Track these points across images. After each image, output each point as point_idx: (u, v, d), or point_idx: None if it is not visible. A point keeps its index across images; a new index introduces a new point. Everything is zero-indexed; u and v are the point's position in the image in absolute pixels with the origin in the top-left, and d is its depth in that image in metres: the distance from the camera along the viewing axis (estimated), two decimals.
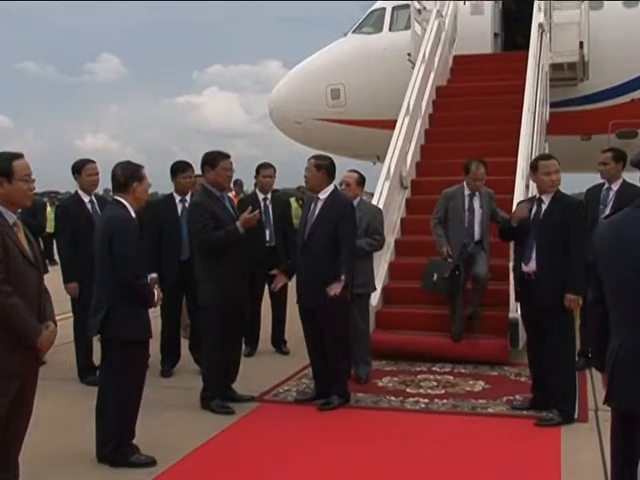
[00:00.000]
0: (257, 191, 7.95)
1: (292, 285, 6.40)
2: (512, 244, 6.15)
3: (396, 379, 6.73)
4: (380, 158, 12.22)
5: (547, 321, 5.46)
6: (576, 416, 5.48)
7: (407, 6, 12.41)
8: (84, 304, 6.48)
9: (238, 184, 13.12)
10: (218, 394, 5.87)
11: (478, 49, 12.26)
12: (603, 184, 6.92)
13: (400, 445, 5.10)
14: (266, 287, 7.90)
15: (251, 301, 7.04)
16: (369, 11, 14.05)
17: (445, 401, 6.05)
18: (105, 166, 7.05)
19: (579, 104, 12.04)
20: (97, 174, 6.82)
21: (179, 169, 7.09)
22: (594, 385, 6.18)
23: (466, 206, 7.43)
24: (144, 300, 4.69)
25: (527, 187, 7.94)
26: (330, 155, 6.51)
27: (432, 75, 10.96)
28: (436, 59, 11.22)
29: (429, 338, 7.42)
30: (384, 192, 8.43)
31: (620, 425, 3.02)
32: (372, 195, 8.64)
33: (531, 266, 5.56)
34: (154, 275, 6.53)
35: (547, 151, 9.08)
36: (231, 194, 10.58)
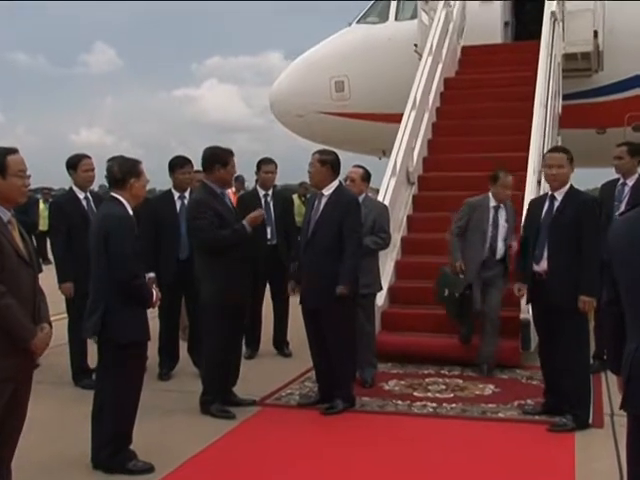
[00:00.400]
0: (258, 187, 7.97)
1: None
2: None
3: (403, 382, 6.74)
4: (386, 153, 12.23)
5: (559, 322, 5.45)
6: (591, 421, 5.47)
7: None
8: (79, 304, 6.51)
9: (240, 180, 13.12)
10: (218, 398, 5.87)
11: (488, 39, 12.23)
12: (618, 179, 6.91)
13: (407, 451, 5.10)
14: (267, 286, 7.93)
15: (252, 301, 7.05)
16: (374, 0, 14.04)
17: (454, 405, 6.05)
18: (100, 161, 7.08)
19: (593, 96, 12.00)
20: (93, 170, 6.83)
21: (177, 165, 7.09)
22: (610, 389, 6.16)
23: (491, 219, 7.07)
24: (142, 300, 4.69)
25: (539, 183, 7.93)
26: (334, 150, 6.52)
27: (440, 66, 10.97)
28: (444, 50, 11.22)
29: (437, 339, 7.43)
30: (390, 188, 8.44)
31: (637, 431, 3.02)
32: (378, 191, 8.65)
33: (542, 265, 5.55)
34: (152, 274, 6.54)
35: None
36: (231, 190, 10.61)
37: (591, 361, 6.30)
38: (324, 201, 5.94)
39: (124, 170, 4.73)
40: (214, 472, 4.80)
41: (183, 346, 7.34)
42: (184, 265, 6.82)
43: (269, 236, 7.69)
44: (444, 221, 8.72)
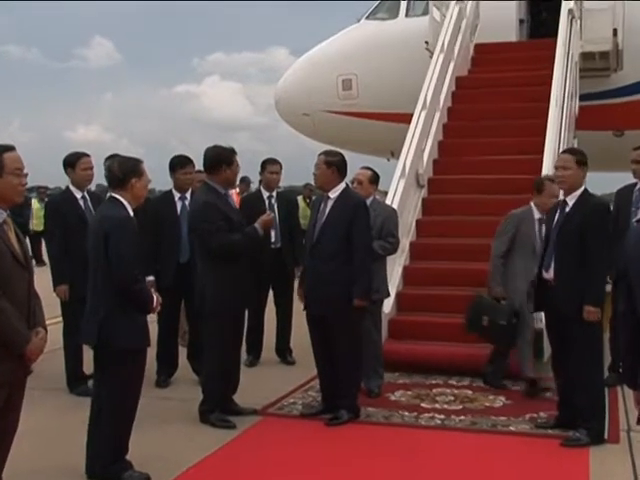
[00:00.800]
0: (262, 189, 7.98)
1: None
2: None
3: (410, 393, 6.74)
4: (395, 154, 12.22)
5: (570, 332, 5.45)
6: (606, 436, 5.46)
7: None
8: (75, 308, 6.53)
9: (246, 181, 13.15)
10: (218, 407, 5.88)
11: (502, 37, 12.20)
12: (635, 184, 6.89)
13: (413, 464, 5.10)
14: (270, 291, 7.94)
15: (255, 306, 7.07)
16: None
17: (463, 417, 6.05)
18: (97, 160, 7.10)
19: (612, 97, 11.98)
20: (92, 169, 6.85)
21: (178, 164, 7.10)
22: (626, 403, 6.13)
23: (537, 233, 6.63)
24: (142, 305, 4.70)
25: None
26: (341, 150, 6.53)
27: (452, 65, 10.96)
28: (456, 48, 11.21)
29: (446, 348, 7.41)
30: (399, 191, 8.43)
31: None
32: (386, 194, 8.65)
33: (551, 273, 5.57)
34: (151, 278, 6.56)
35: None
36: (234, 191, 10.62)
37: (606, 374, 6.29)
38: (330, 204, 5.95)
39: (125, 170, 4.73)
40: None
41: (182, 352, 7.35)
42: (184, 268, 6.84)
43: (273, 239, 7.69)
44: (455, 225, 8.77)
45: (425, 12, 12.47)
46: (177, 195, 7.11)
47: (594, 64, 11.51)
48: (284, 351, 8.05)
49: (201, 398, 5.95)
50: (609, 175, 13.46)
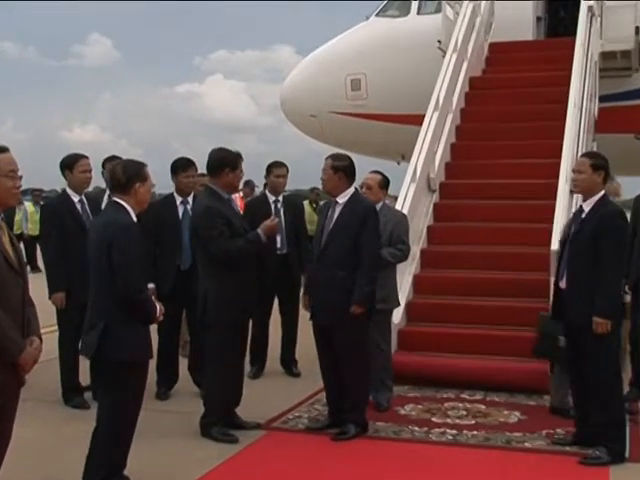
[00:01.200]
0: (267, 193, 8.00)
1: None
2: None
3: (420, 407, 6.72)
4: (405, 157, 12.22)
5: (584, 343, 5.45)
6: (627, 455, 5.44)
7: None
8: (71, 316, 6.54)
9: (250, 185, 13.15)
10: (220, 420, 5.88)
11: (518, 35, 12.23)
12: None
13: None
14: (275, 300, 7.94)
15: (259, 315, 7.06)
16: None
17: (476, 433, 6.03)
18: (95, 162, 7.12)
19: (633, 98, 11.97)
20: (90, 171, 6.86)
21: (180, 167, 7.11)
22: None
23: None
24: (145, 316, 4.69)
25: (571, 192, 7.92)
26: (349, 154, 6.53)
27: (465, 65, 10.96)
28: (470, 47, 11.22)
29: (458, 361, 7.40)
30: (409, 196, 8.43)
31: None
32: (396, 199, 8.65)
33: (564, 281, 5.59)
34: (151, 285, 6.56)
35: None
36: (238, 195, 10.62)
37: (627, 388, 6.26)
38: (338, 210, 5.95)
39: (129, 173, 4.71)
40: None
41: (183, 363, 7.35)
42: (186, 276, 6.85)
43: (279, 245, 7.69)
44: (467, 232, 8.77)
45: (438, 10, 12.51)
46: (179, 199, 7.12)
47: (615, 64, 11.52)
48: (289, 362, 8.04)
49: (202, 411, 5.95)
50: (630, 179, 13.41)
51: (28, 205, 18.40)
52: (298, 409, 6.66)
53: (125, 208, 4.69)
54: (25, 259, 4.40)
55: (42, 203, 13.49)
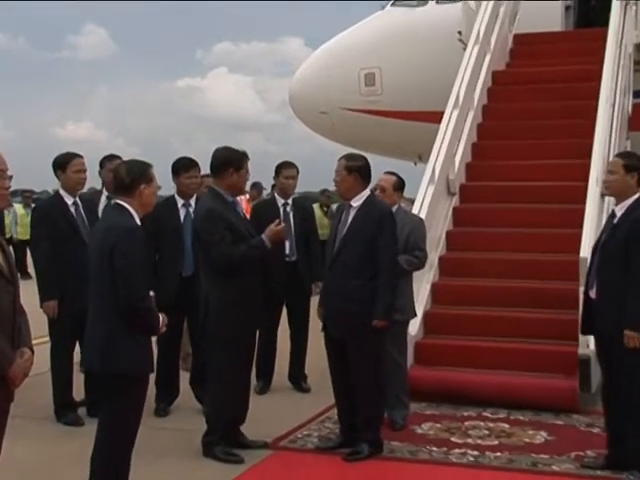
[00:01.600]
0: (276, 195, 8.01)
1: (315, 309, 6.40)
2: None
3: (439, 425, 6.71)
4: (422, 158, 12.23)
5: (617, 357, 5.43)
6: None
7: None
8: (64, 327, 6.56)
9: (257, 187, 13.19)
10: (224, 438, 5.88)
11: (545, 26, 12.20)
12: None
13: None
14: (284, 310, 7.94)
15: (266, 326, 7.06)
16: None
17: (499, 454, 6.01)
18: (90, 161, 7.13)
19: None
20: (85, 171, 6.88)
21: (182, 167, 7.13)
22: None
23: None
24: (148, 327, 4.69)
25: (603, 196, 7.90)
26: (363, 153, 6.53)
27: (487, 58, 10.96)
28: (493, 38, 11.21)
29: (480, 376, 7.39)
30: (427, 199, 8.43)
31: None
32: (413, 202, 8.64)
33: (595, 291, 5.58)
34: (151, 294, 6.55)
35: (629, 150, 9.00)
36: (244, 198, 10.64)
37: None
38: (352, 214, 5.96)
39: (133, 174, 4.72)
40: None
41: (184, 377, 7.36)
42: (188, 283, 6.86)
43: (287, 251, 7.71)
44: (490, 238, 8.76)
45: None
46: (180, 201, 7.13)
47: None
48: (298, 377, 8.04)
49: (204, 429, 5.95)
50: None
51: (18, 207, 18.47)
52: (307, 427, 6.65)
53: (128, 211, 4.69)
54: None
55: (33, 205, 13.55)
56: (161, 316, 4.76)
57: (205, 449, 5.89)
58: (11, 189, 3.94)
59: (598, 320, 5.52)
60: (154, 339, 6.72)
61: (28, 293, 6.19)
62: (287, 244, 7.62)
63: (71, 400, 6.80)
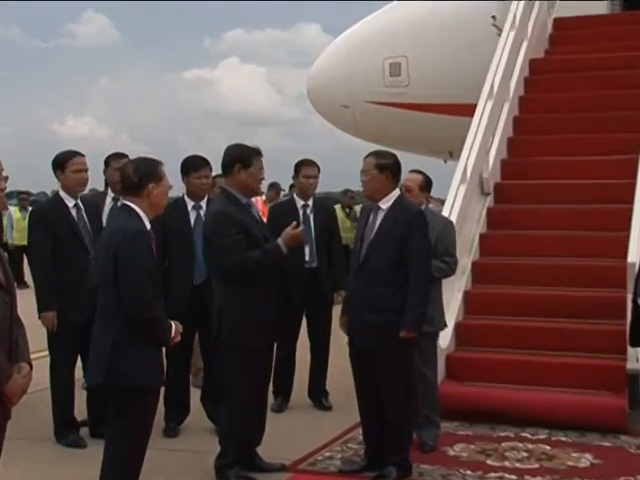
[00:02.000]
0: (295, 196, 8.02)
1: (337, 320, 6.40)
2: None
3: (473, 447, 6.69)
4: (453, 154, 12.20)
5: None
6: None
7: None
8: (64, 340, 6.58)
9: (275, 188, 13.22)
10: (238, 461, 5.88)
11: (589, 8, 12.11)
12: None
13: None
14: (304, 321, 7.94)
15: (284, 339, 7.06)
16: None
17: (539, 479, 5.99)
18: (92, 159, 7.16)
19: None
20: (86, 171, 6.91)
21: (192, 167, 7.13)
22: None
23: None
24: (157, 337, 4.71)
25: None
26: (389, 150, 6.54)
27: (524, 44, 10.95)
28: (530, 23, 11.21)
29: (518, 393, 7.36)
30: (458, 200, 8.42)
31: None
32: (443, 203, 8.63)
33: None
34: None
35: None
36: (260, 199, 10.65)
37: None
38: (381, 216, 5.94)
39: (140, 173, 4.74)
40: None
41: (195, 394, 7.36)
42: (199, 292, 6.87)
43: (307, 257, 7.73)
44: (527, 242, 8.74)
45: None
46: (190, 203, 7.13)
47: None
48: (319, 394, 8.04)
49: (218, 450, 5.95)
50: None
51: (14, 210, 18.47)
52: (329, 448, 6.65)
53: (137, 213, 4.71)
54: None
55: (30, 208, 13.62)
56: (174, 324, 4.78)
57: (218, 473, 5.89)
58: (7, 191, 3.96)
59: None
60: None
61: (25, 303, 6.22)
62: (307, 249, 7.64)
63: (72, 419, 6.81)
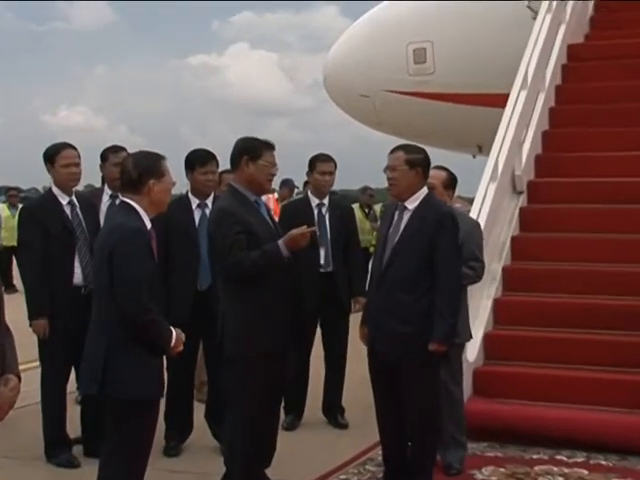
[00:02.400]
0: (309, 194, 8.02)
1: (354, 329, 6.38)
2: None
3: (503, 470, 6.66)
4: (483, 149, 12.19)
5: None
6: None
7: None
8: (56, 348, 6.58)
9: (289, 185, 13.23)
10: None
11: None
12: None
13: None
14: (318, 330, 7.93)
15: (296, 350, 7.05)
16: None
17: None
18: (87, 152, 7.16)
19: None
20: (77, 165, 6.90)
21: (197, 161, 7.12)
22: None
23: None
24: (154, 342, 4.71)
25: None
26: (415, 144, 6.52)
27: (562, 29, 10.94)
28: (569, 5, 11.18)
29: (552, 411, 7.35)
30: (488, 199, 8.41)
31: None
32: (471, 203, 8.62)
33: None
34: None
35: None
36: (272, 196, 10.66)
37: None
38: (407, 217, 5.93)
39: (141, 168, 4.77)
40: None
41: (199, 410, 7.36)
42: (204, 298, 6.87)
43: (322, 261, 7.72)
44: (564, 245, 8.70)
45: None
46: (195, 201, 7.13)
47: None
48: (334, 410, 8.02)
49: (223, 471, 5.96)
50: None
51: (2, 208, 18.52)
52: (345, 470, 6.63)
53: (136, 210, 4.73)
54: None
55: (20, 205, 13.67)
56: (175, 332, 4.79)
57: None
58: None
59: None
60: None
61: (14, 309, 6.23)
62: (322, 252, 7.64)
63: (65, 437, 6.81)
